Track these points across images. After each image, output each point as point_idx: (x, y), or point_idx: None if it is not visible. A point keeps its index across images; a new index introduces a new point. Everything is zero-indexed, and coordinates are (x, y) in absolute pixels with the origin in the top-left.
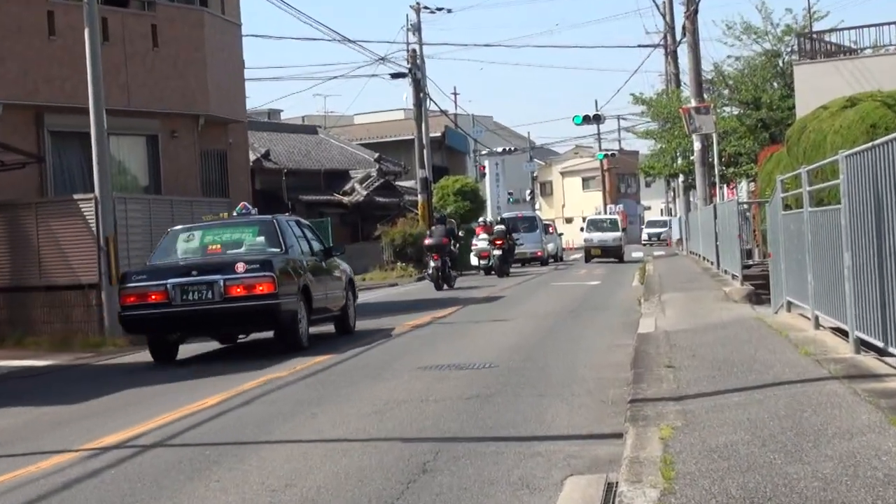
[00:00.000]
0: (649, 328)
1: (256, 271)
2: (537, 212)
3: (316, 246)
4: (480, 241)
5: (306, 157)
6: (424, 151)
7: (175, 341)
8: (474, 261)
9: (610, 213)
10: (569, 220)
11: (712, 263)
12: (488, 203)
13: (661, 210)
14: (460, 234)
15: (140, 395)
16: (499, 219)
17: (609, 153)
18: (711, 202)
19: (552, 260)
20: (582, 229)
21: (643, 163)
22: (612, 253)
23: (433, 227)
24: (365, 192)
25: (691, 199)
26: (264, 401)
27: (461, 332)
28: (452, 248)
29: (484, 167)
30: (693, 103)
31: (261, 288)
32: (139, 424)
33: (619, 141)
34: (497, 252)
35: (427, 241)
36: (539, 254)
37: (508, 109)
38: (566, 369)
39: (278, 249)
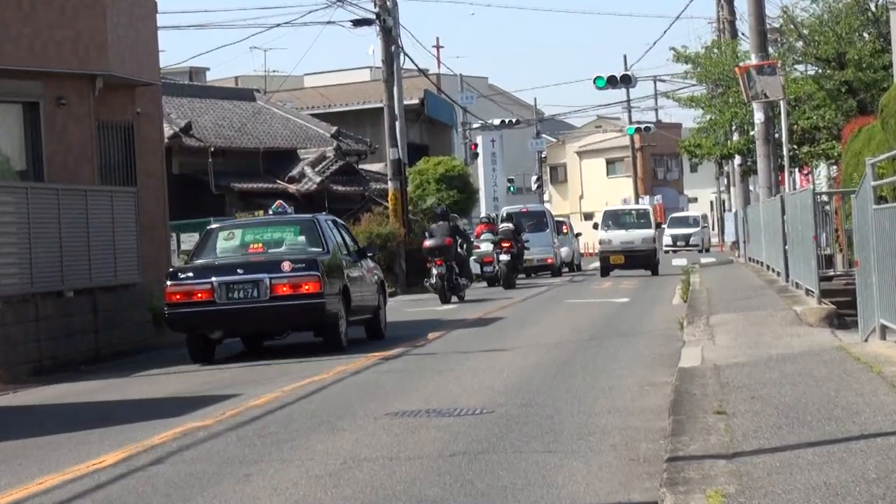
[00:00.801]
0: (694, 361)
1: (302, 270)
2: (546, 205)
3: (351, 246)
4: (482, 244)
5: (240, 131)
6: (397, 124)
7: (215, 341)
8: (475, 268)
9: (638, 205)
10: (588, 217)
11: (779, 274)
12: (482, 193)
13: (712, 203)
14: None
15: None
16: (504, 214)
17: (642, 127)
18: (778, 192)
19: (566, 269)
20: (596, 226)
21: (687, 140)
22: (642, 261)
23: (434, 226)
24: (318, 179)
25: (751, 188)
26: (179, 459)
27: (445, 365)
28: (459, 249)
29: (476, 145)
30: (754, 60)
31: (306, 287)
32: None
33: (656, 111)
34: (504, 257)
35: (427, 244)
36: (549, 261)
37: (509, 68)
38: (583, 416)
39: (320, 249)
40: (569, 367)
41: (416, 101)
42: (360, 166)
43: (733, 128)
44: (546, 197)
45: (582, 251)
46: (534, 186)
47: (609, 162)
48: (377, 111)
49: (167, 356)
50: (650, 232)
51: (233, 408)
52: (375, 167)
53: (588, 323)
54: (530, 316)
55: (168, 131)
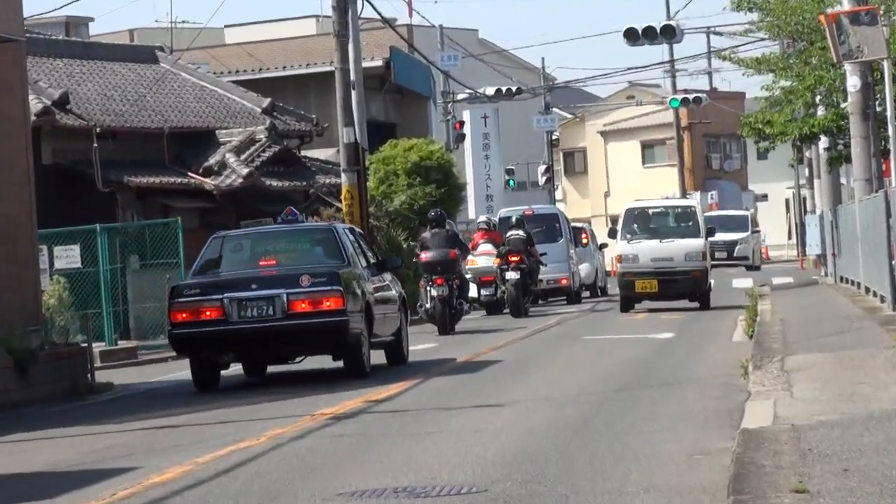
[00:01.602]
0: (763, 420)
1: (323, 285)
2: (559, 206)
3: (370, 257)
4: (480, 258)
5: (137, 105)
6: (353, 95)
7: (222, 365)
8: (472, 290)
9: (679, 199)
10: (616, 221)
11: (882, 299)
12: (470, 190)
13: (788, 201)
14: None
15: None
16: (514, 219)
17: (691, 98)
18: (881, 187)
19: (587, 293)
20: (614, 233)
21: (752, 116)
22: (685, 287)
23: (427, 234)
24: (245, 171)
25: (842, 180)
26: None
27: (420, 425)
28: (462, 264)
29: (462, 123)
30: (846, 5)
31: (328, 303)
32: None
33: (710, 76)
34: (513, 275)
35: (427, 257)
36: (564, 282)
37: (507, 18)
38: (609, 498)
39: (340, 261)
40: (589, 428)
41: (379, 64)
42: (303, 153)
43: (817, 99)
44: (559, 195)
45: (608, 268)
46: (541, 180)
47: (646, 146)
48: (326, 77)
49: (36, 415)
50: (697, 243)
51: (126, 487)
52: (324, 154)
53: (617, 368)
54: (537, 357)
55: (36, 105)
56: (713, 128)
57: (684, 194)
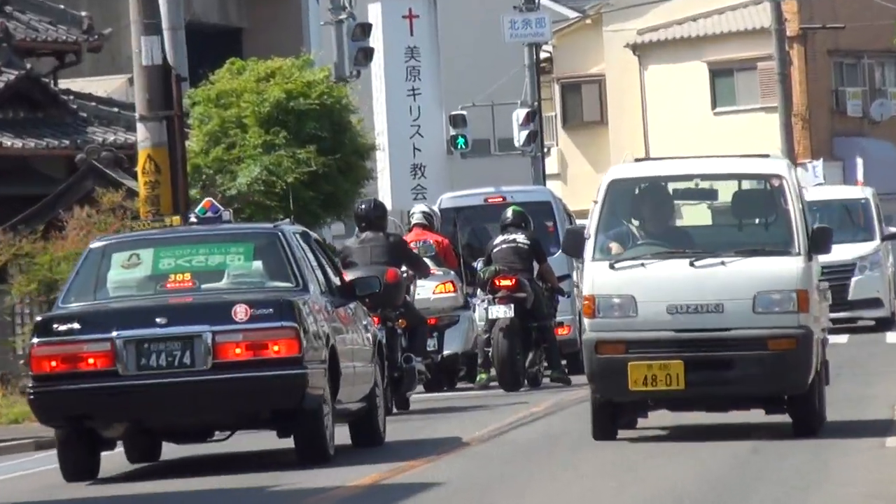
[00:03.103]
0: None
1: (269, 319)
2: (553, 187)
3: (331, 276)
4: (429, 281)
5: None
6: None
7: (106, 441)
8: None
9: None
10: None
11: None
12: (383, 154)
13: None
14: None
15: None
16: (509, 214)
17: None
18: None
19: None
20: (577, 243)
21: None
22: (751, 379)
23: (352, 242)
24: None
25: None
26: None
27: None
28: (409, 293)
29: (366, 28)
30: None
31: (276, 348)
32: None
33: None
34: (503, 313)
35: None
36: (564, 330)
37: None
38: None
39: (291, 283)
40: None
41: None
42: (64, 85)
43: None
44: (552, 165)
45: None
46: (520, 137)
47: (718, 72)
48: None
49: None
50: (790, 269)
51: None
52: (104, 87)
53: None
54: (508, 489)
55: None
56: (848, 38)
57: (794, 161)
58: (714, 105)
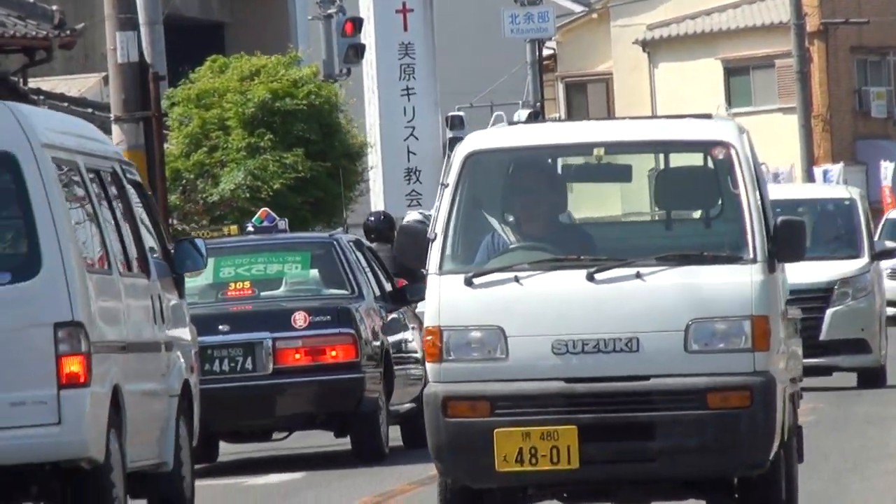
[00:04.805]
0: None
1: (328, 326)
2: None
3: (384, 282)
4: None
5: None
6: None
7: None
8: None
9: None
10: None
11: None
12: (375, 155)
13: None
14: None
15: None
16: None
17: None
18: None
19: None
20: (418, 247)
21: None
22: (682, 450)
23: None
24: None
25: None
26: None
27: None
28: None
29: (356, 23)
30: None
31: (334, 353)
32: None
33: None
34: None
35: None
36: None
37: None
38: None
39: (347, 290)
40: None
41: None
42: (34, 84)
43: None
44: None
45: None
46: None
47: (733, 70)
48: None
49: None
50: (749, 281)
51: None
52: (77, 86)
53: None
54: None
55: None
56: (872, 34)
57: (811, 167)
58: (729, 105)
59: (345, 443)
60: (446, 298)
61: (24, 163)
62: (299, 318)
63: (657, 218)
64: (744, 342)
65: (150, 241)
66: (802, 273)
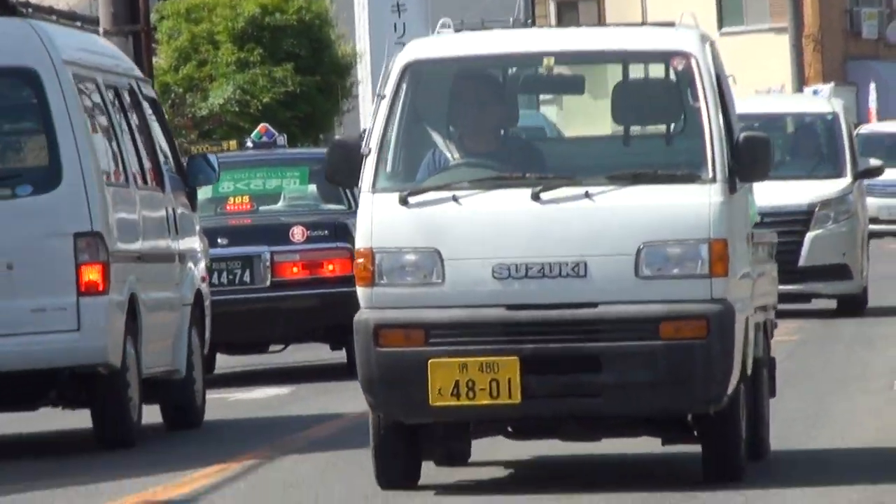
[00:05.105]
0: None
1: (325, 240)
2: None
3: None
4: None
5: None
6: None
7: None
8: None
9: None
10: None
11: None
12: (363, 68)
13: None
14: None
15: None
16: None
17: None
18: None
19: None
20: (350, 165)
21: None
22: (635, 387)
23: None
24: None
25: None
26: None
27: None
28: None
29: None
30: None
31: (331, 267)
32: None
33: None
34: None
35: None
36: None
37: None
38: None
39: (344, 206)
40: None
41: None
42: None
43: None
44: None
45: None
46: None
47: None
48: None
49: None
50: (707, 202)
51: None
52: None
53: None
54: None
55: None
56: None
57: (802, 89)
58: (720, 24)
59: (340, 356)
60: (379, 218)
61: (46, 79)
62: (297, 233)
63: (610, 133)
64: (700, 267)
65: (164, 155)
66: (780, 194)
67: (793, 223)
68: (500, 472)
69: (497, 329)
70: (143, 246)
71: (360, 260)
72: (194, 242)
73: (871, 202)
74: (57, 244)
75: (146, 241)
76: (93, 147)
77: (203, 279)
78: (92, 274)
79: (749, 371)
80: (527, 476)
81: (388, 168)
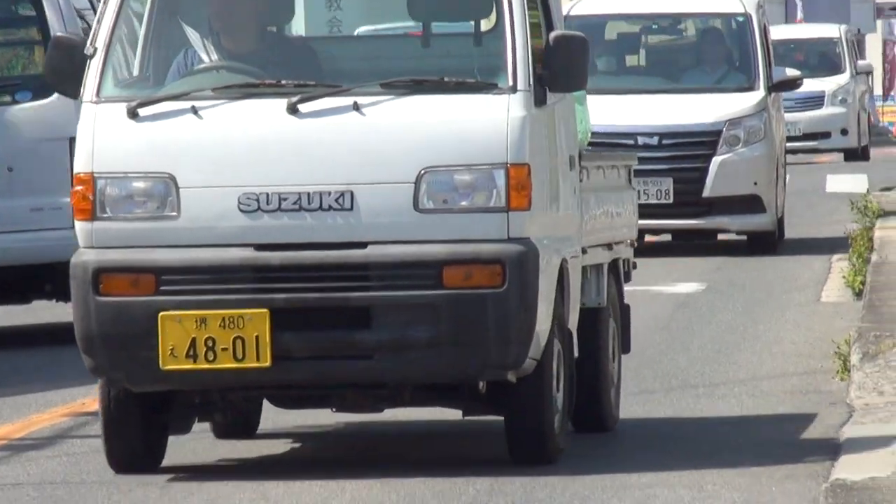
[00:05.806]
0: (875, 466)
1: None
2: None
3: None
4: None
5: None
6: None
7: None
8: None
9: None
10: None
11: None
12: None
13: None
14: None
15: None
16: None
17: None
18: None
19: None
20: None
21: None
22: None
23: None
24: None
25: None
26: None
27: None
28: None
29: None
30: None
31: None
32: None
33: None
34: None
35: None
36: None
37: None
38: None
39: None
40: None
41: None
42: None
43: None
44: None
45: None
46: None
47: None
48: None
49: None
50: (504, 117)
51: None
52: None
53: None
54: None
55: None
56: None
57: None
58: None
59: None
60: (103, 135)
61: None
62: None
63: (404, 30)
64: (495, 199)
65: None
66: (681, 111)
67: (696, 146)
68: (283, 447)
69: (243, 275)
70: None
71: (79, 187)
72: None
73: (789, 117)
74: (54, 147)
75: None
76: None
77: None
78: None
79: (573, 325)
80: (315, 451)
81: (120, 72)
